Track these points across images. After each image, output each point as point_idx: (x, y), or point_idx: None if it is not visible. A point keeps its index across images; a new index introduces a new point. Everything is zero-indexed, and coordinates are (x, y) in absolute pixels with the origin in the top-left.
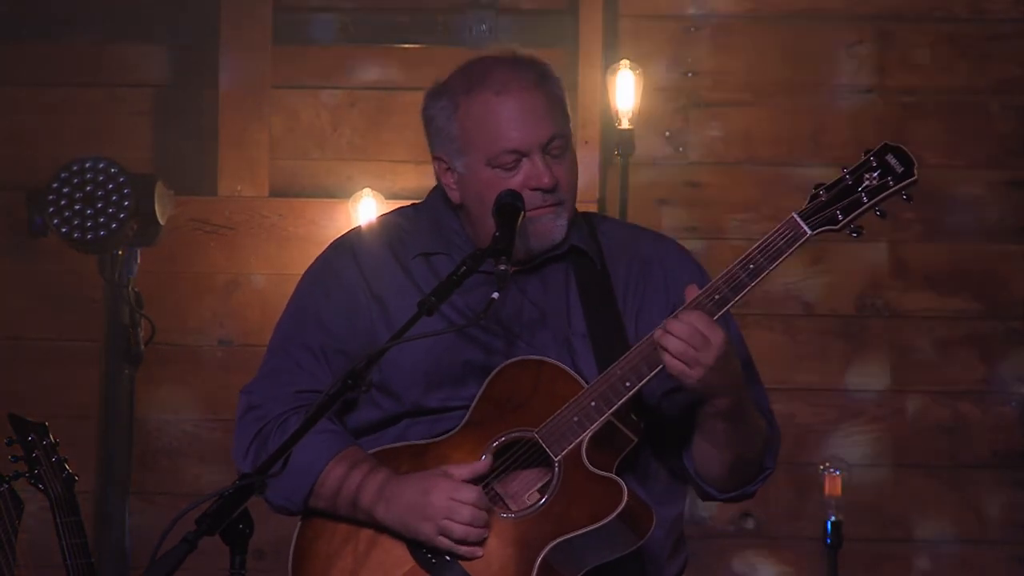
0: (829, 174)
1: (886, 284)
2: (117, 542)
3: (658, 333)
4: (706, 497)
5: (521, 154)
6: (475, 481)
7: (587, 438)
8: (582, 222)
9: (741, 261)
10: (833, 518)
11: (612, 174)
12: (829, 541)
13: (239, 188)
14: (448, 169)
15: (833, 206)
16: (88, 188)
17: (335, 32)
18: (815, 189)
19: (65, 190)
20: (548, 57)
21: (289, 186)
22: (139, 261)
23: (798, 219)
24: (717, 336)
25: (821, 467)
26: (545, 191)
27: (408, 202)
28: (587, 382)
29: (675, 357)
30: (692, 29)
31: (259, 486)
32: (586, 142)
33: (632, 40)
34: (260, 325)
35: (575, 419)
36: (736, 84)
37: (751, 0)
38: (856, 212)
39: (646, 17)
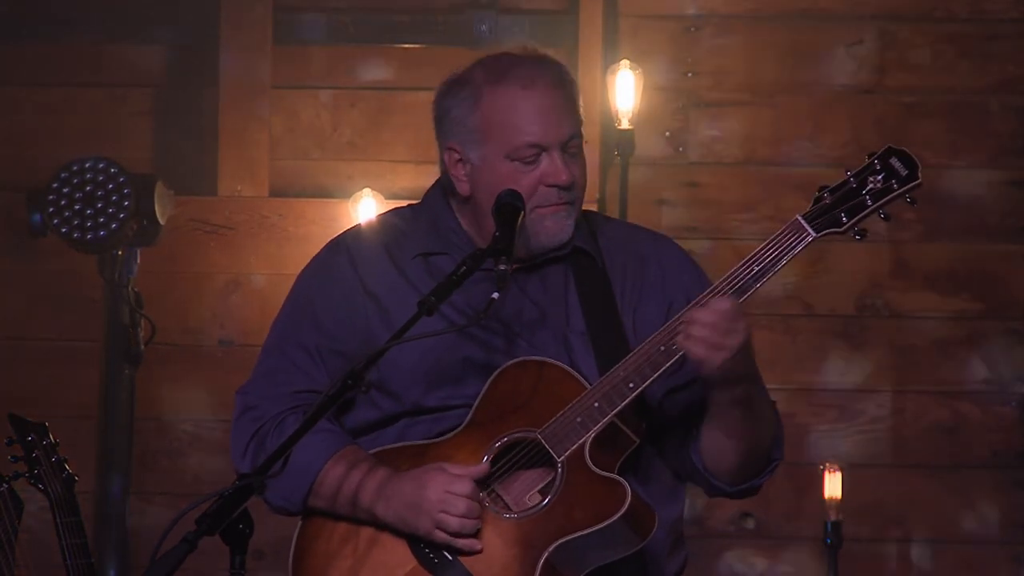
0: (829, 174)
1: (886, 284)
2: (117, 542)
3: (685, 318)
4: (714, 492)
5: (542, 149)
6: (476, 482)
7: (590, 439)
8: (582, 221)
9: (746, 263)
10: (833, 518)
11: (612, 174)
12: (829, 541)
13: (239, 188)
14: (460, 160)
15: (837, 208)
16: (88, 188)
17: (335, 32)
18: (819, 191)
19: (65, 190)
20: None
21: (289, 186)
22: (139, 261)
23: (802, 221)
24: (743, 323)
25: (821, 467)
26: (561, 188)
27: (407, 202)
28: (587, 381)
29: (700, 342)
30: (692, 29)
31: (258, 486)
32: (586, 142)
33: (632, 40)
34: (260, 325)
35: (578, 420)
36: (736, 84)
37: (751, 0)
38: (860, 215)
39: (646, 17)
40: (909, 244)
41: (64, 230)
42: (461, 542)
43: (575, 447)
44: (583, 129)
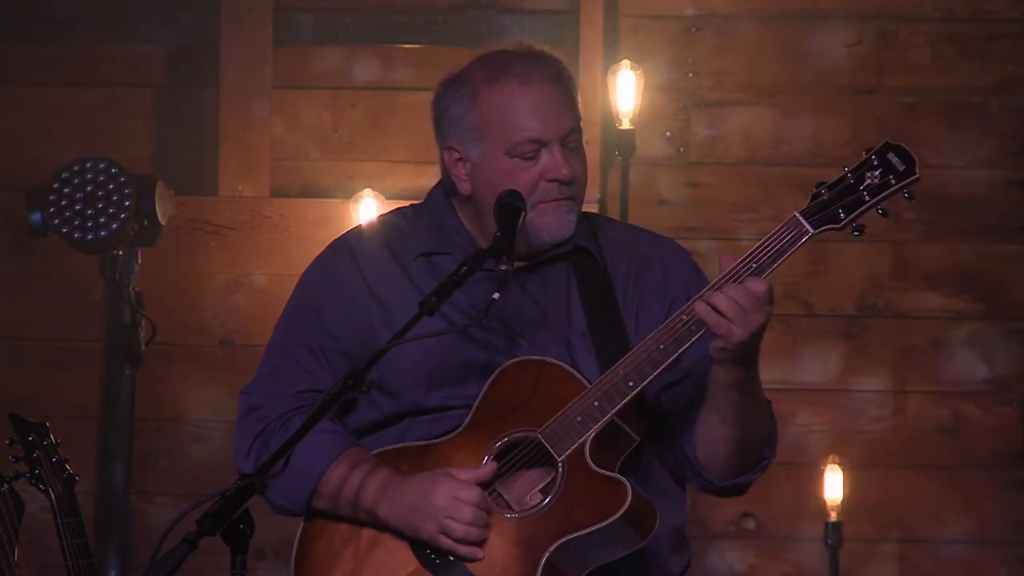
0: (829, 174)
1: (886, 284)
2: (118, 542)
3: (711, 293)
4: (703, 486)
5: (541, 144)
6: (479, 485)
7: (590, 438)
8: (583, 222)
9: (744, 260)
10: (833, 518)
11: (612, 174)
12: (829, 541)
13: (239, 188)
14: (460, 159)
15: (835, 205)
16: (88, 188)
17: (335, 32)
18: (817, 188)
19: (65, 190)
20: None
21: (289, 186)
22: (139, 261)
23: (800, 218)
24: (769, 308)
25: (821, 467)
26: (562, 183)
27: (408, 202)
28: (588, 381)
29: (723, 314)
30: (692, 29)
31: (260, 486)
32: (586, 142)
33: (632, 40)
34: (261, 325)
35: (578, 419)
36: (736, 84)
37: (751, 0)
38: (858, 211)
39: (646, 17)
40: (909, 244)
41: (64, 230)
42: (465, 549)
43: (575, 446)
44: (582, 125)
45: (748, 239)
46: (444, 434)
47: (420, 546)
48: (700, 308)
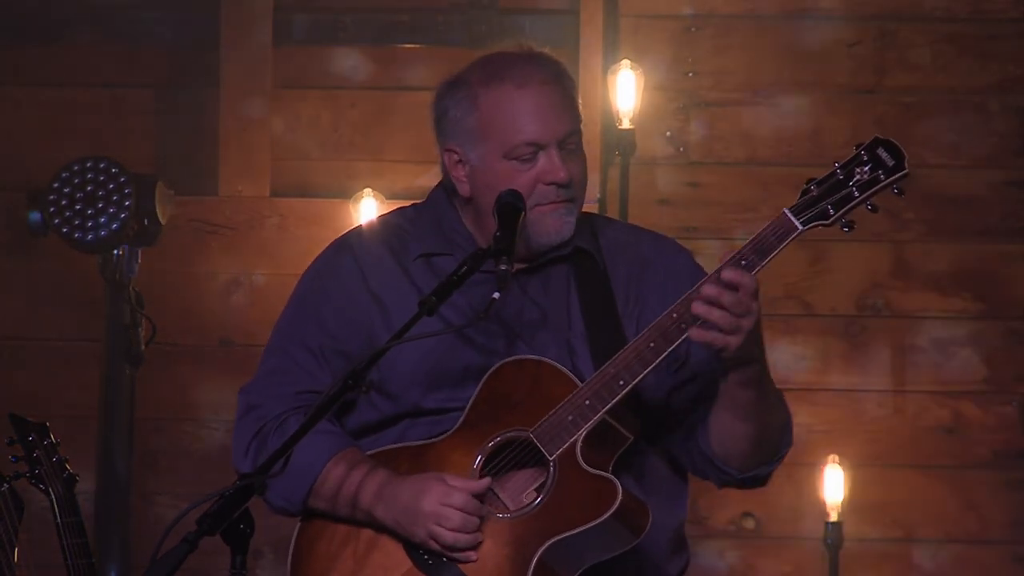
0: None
1: (886, 284)
2: (118, 542)
3: (694, 304)
4: (724, 481)
5: (539, 147)
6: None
7: (581, 437)
8: (583, 222)
9: (733, 258)
10: (833, 518)
11: (612, 174)
12: (829, 541)
13: (240, 188)
14: (460, 161)
15: (824, 201)
16: (88, 188)
17: (335, 32)
18: (807, 184)
19: (65, 190)
20: None
21: (289, 186)
22: (139, 261)
23: (789, 215)
24: (756, 303)
25: (821, 467)
26: (560, 186)
27: (408, 202)
28: (582, 381)
29: (716, 326)
30: (692, 29)
31: (259, 486)
32: (586, 142)
33: (632, 40)
34: (261, 325)
35: (569, 418)
36: (736, 84)
37: (751, 0)
38: (847, 206)
39: (646, 17)
40: (909, 244)
41: (65, 230)
42: (455, 554)
43: (566, 445)
44: (582, 127)
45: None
46: (441, 434)
47: (414, 547)
48: (694, 333)
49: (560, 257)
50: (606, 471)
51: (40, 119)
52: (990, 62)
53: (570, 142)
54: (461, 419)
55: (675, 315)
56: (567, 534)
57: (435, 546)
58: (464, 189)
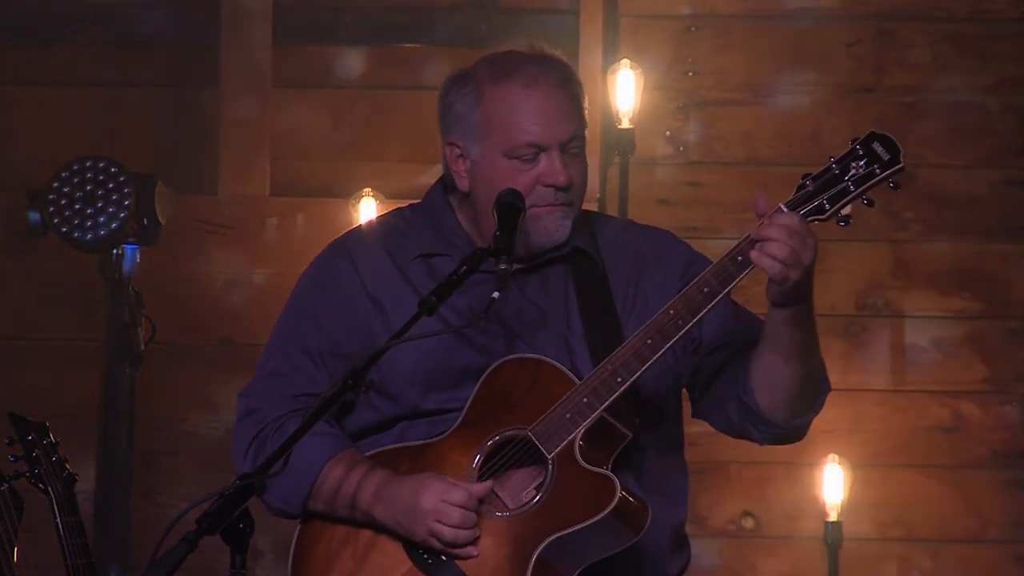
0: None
1: (886, 284)
2: (118, 542)
3: (756, 233)
4: (768, 435)
5: (541, 148)
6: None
7: (580, 435)
8: (582, 222)
9: (730, 254)
10: (833, 518)
11: (612, 174)
12: (829, 541)
13: (239, 188)
14: (461, 156)
15: (820, 196)
16: (88, 188)
17: (335, 32)
18: (802, 179)
19: (65, 190)
20: None
21: (289, 186)
22: (139, 261)
23: (784, 210)
24: (812, 237)
25: (821, 466)
26: (558, 189)
27: (407, 202)
28: (580, 380)
29: (774, 256)
30: (692, 29)
31: (259, 486)
32: (586, 142)
33: (632, 40)
34: (260, 325)
35: (567, 416)
36: (736, 84)
37: (751, 0)
38: (843, 201)
39: (646, 17)
40: (909, 244)
41: (64, 230)
42: (455, 551)
43: (565, 443)
44: (586, 132)
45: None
46: (440, 434)
47: (414, 546)
48: (755, 256)
49: (558, 257)
50: (605, 469)
51: (40, 119)
52: (990, 62)
53: (572, 146)
54: (460, 418)
55: (672, 312)
56: (566, 532)
57: (435, 543)
58: (463, 184)
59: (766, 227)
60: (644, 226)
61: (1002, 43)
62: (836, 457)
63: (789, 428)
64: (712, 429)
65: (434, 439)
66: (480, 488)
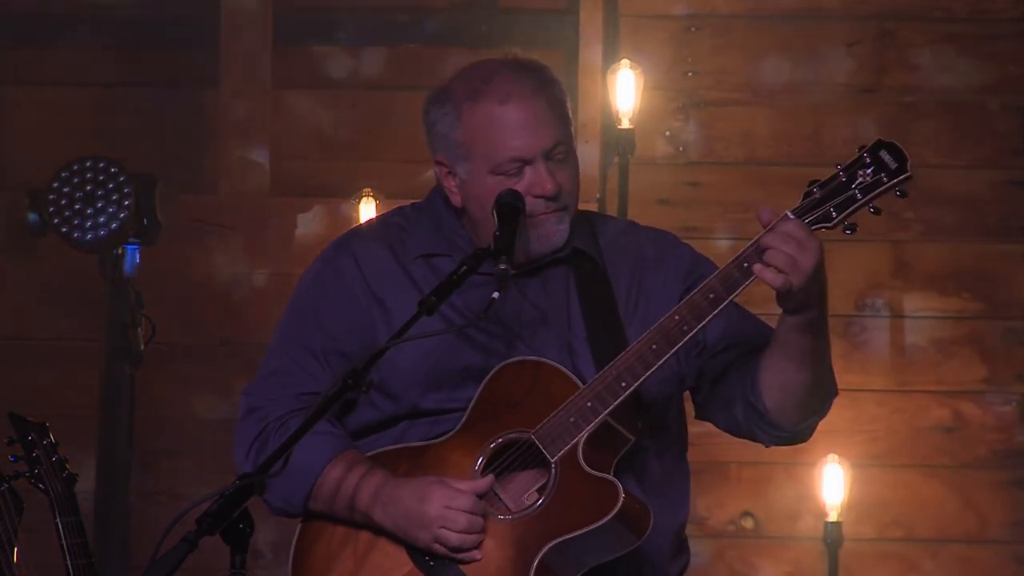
0: (829, 174)
1: (886, 284)
2: (117, 542)
3: (756, 245)
4: (775, 438)
5: (525, 161)
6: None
7: (583, 439)
8: (582, 222)
9: (736, 260)
10: (833, 518)
11: (612, 174)
12: (829, 541)
13: (239, 188)
14: (450, 173)
15: (827, 203)
16: (88, 188)
17: (335, 32)
18: (809, 186)
19: (65, 190)
20: (548, 57)
21: (289, 186)
22: (139, 261)
23: (792, 217)
24: (813, 242)
25: (821, 466)
26: (548, 198)
27: (408, 202)
28: (584, 383)
29: (773, 265)
30: (691, 29)
31: (259, 486)
32: (586, 142)
33: (632, 40)
34: (260, 325)
35: (571, 420)
36: (736, 84)
37: (751, 0)
38: (850, 209)
39: (646, 17)
40: (909, 244)
41: (64, 230)
42: (460, 556)
43: (568, 447)
44: (573, 131)
45: (748, 239)
46: (441, 435)
47: (415, 547)
48: (758, 269)
49: (559, 259)
50: (608, 473)
51: (40, 119)
52: (990, 62)
53: (558, 152)
54: (462, 420)
55: (677, 317)
56: (569, 536)
57: (440, 549)
58: (456, 200)
59: (768, 235)
60: (645, 227)
61: (1002, 43)
62: (836, 457)
63: (796, 432)
64: (712, 429)
65: (435, 440)
66: (482, 483)
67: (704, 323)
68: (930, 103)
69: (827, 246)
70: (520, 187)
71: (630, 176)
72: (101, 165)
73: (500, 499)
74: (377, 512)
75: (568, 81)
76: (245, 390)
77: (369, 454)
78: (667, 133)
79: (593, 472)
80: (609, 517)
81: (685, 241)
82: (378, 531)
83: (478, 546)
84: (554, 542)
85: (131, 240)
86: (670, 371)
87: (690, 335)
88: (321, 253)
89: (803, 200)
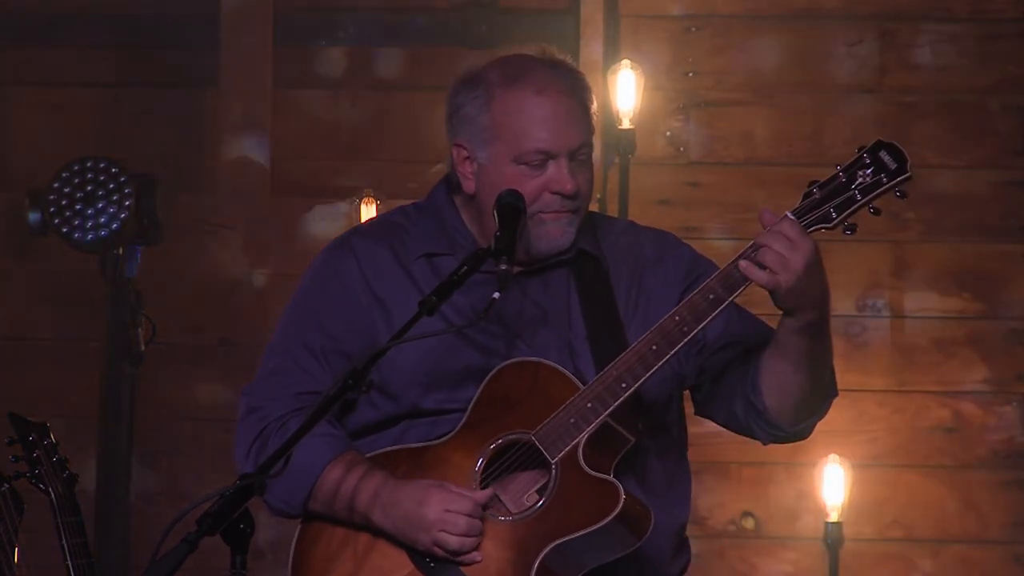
0: (829, 174)
1: (886, 284)
2: (117, 542)
3: (753, 246)
4: (772, 434)
5: (549, 155)
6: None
7: (583, 440)
8: (585, 223)
9: (735, 260)
10: (833, 518)
11: (612, 174)
12: (829, 541)
13: (239, 188)
14: (468, 158)
15: (827, 204)
16: (88, 188)
17: (335, 32)
18: (809, 187)
19: (66, 190)
20: None
21: (289, 186)
22: (139, 261)
23: (792, 218)
24: (805, 242)
25: (821, 467)
26: (565, 197)
27: (407, 202)
28: (584, 384)
29: (764, 265)
30: (692, 29)
31: (259, 486)
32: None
33: (632, 40)
34: (260, 325)
35: (571, 421)
36: (736, 84)
37: (751, 0)
38: (850, 210)
39: (646, 17)
40: (909, 244)
41: (65, 230)
42: (460, 559)
43: (568, 448)
44: (594, 140)
45: (748, 239)
46: (441, 436)
47: (415, 549)
48: (743, 265)
49: (561, 260)
50: (608, 474)
51: (40, 119)
52: (990, 62)
53: (581, 153)
54: (462, 421)
55: (677, 318)
56: (569, 537)
57: (440, 552)
58: (469, 186)
59: (762, 234)
60: (646, 227)
61: (1002, 43)
62: (836, 457)
63: (794, 431)
64: (711, 429)
65: (435, 441)
66: (483, 495)
67: (704, 324)
68: (930, 103)
69: (827, 246)
70: (540, 180)
71: (630, 176)
72: (101, 165)
73: (500, 500)
74: (376, 514)
75: None
76: (245, 390)
77: (369, 455)
78: (667, 133)
79: (593, 473)
80: (610, 518)
81: (685, 241)
82: (378, 532)
83: (478, 548)
84: (554, 543)
85: (131, 240)
86: (670, 371)
87: (690, 336)
88: (322, 253)
89: (803, 200)
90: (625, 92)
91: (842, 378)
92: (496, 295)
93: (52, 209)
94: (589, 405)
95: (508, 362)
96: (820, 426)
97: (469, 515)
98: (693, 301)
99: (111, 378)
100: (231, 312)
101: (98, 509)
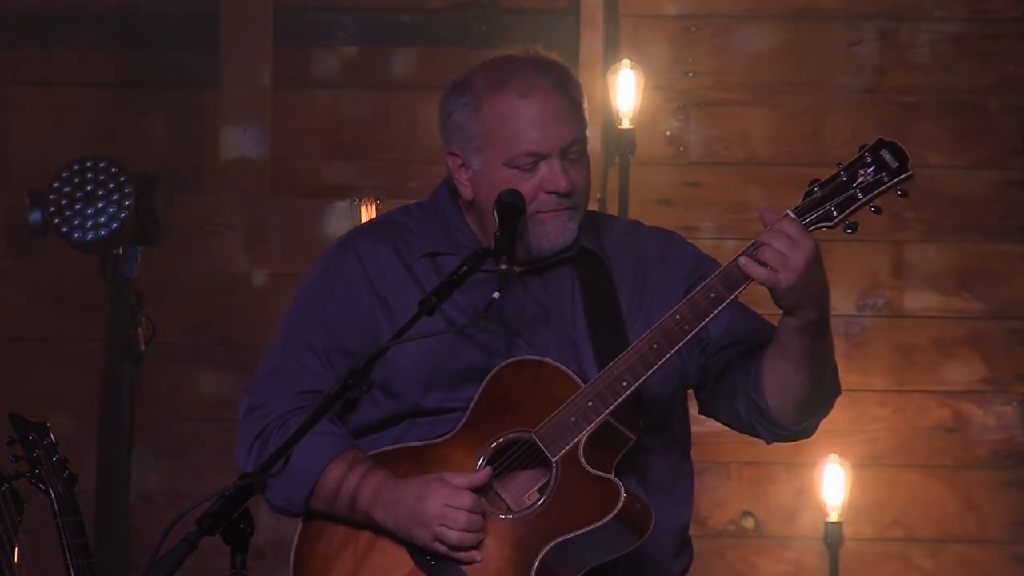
0: (829, 174)
1: (886, 284)
2: (117, 542)
3: (754, 244)
4: (775, 433)
5: (540, 156)
6: (474, 490)
7: (584, 438)
8: (587, 222)
9: (736, 259)
10: (833, 518)
11: (612, 174)
12: (829, 541)
13: (239, 188)
14: (462, 165)
15: (828, 203)
16: (89, 188)
17: (335, 32)
18: (810, 186)
19: (66, 189)
20: None
21: (289, 186)
22: (139, 260)
23: (793, 216)
24: (806, 240)
25: (821, 466)
26: (560, 195)
27: (408, 202)
28: (585, 383)
29: (765, 263)
30: (692, 29)
31: (260, 485)
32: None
33: (632, 40)
34: (260, 325)
35: (572, 419)
36: (736, 84)
37: (751, 0)
38: (851, 208)
39: (646, 17)
40: (909, 244)
41: (65, 230)
42: (461, 555)
43: (569, 447)
44: (587, 134)
45: (748, 239)
46: (443, 435)
47: (416, 547)
48: (743, 262)
49: (564, 259)
50: (609, 472)
51: (40, 119)
52: (990, 62)
53: (573, 151)
54: (463, 420)
55: (678, 316)
56: (570, 536)
57: (440, 548)
58: (467, 192)
59: (763, 232)
60: (649, 226)
61: (1002, 43)
62: (836, 457)
63: (797, 430)
64: (712, 429)
65: (436, 440)
66: (479, 476)
67: (705, 322)
68: (930, 103)
69: (827, 246)
70: (534, 182)
71: (630, 176)
72: (101, 165)
73: (501, 499)
74: (378, 512)
75: None
76: (246, 388)
77: (370, 453)
78: (667, 133)
79: (594, 471)
80: (610, 517)
81: (690, 242)
82: (379, 531)
83: (478, 545)
84: (555, 542)
85: (131, 240)
86: (672, 369)
87: (691, 334)
88: (324, 252)
89: (804, 199)
90: (625, 92)
91: (842, 378)
92: (496, 295)
93: (52, 209)
94: (590, 404)
95: (509, 361)
96: (820, 425)
97: (470, 510)
98: (694, 299)
99: (111, 378)
100: (231, 312)
101: (98, 509)
